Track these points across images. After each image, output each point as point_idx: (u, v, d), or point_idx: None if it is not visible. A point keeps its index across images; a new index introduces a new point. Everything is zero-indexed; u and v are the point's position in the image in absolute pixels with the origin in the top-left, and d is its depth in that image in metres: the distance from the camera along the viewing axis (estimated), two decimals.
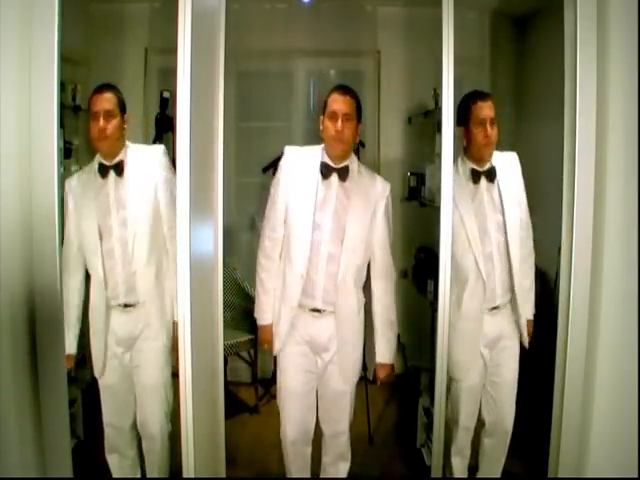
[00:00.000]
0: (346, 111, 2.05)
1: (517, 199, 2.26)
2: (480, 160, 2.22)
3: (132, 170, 2.17)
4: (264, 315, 2.23)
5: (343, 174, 2.10)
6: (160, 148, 2.26)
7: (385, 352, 2.22)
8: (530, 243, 2.32)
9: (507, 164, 2.27)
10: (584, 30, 2.03)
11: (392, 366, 2.25)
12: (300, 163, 2.14)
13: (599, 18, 2.03)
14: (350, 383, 2.21)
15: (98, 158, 2.18)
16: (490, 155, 2.22)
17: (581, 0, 2.03)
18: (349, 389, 2.22)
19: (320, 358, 2.19)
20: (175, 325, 2.17)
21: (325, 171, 2.10)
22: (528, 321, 2.31)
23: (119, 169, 2.17)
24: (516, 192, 2.26)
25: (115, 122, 2.12)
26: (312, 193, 2.09)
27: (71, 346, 2.19)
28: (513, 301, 2.27)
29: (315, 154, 2.15)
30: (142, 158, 2.21)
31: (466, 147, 2.24)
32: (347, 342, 2.16)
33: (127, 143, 2.22)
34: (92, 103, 2.11)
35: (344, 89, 2.10)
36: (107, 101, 2.11)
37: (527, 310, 2.31)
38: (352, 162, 2.14)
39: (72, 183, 2.21)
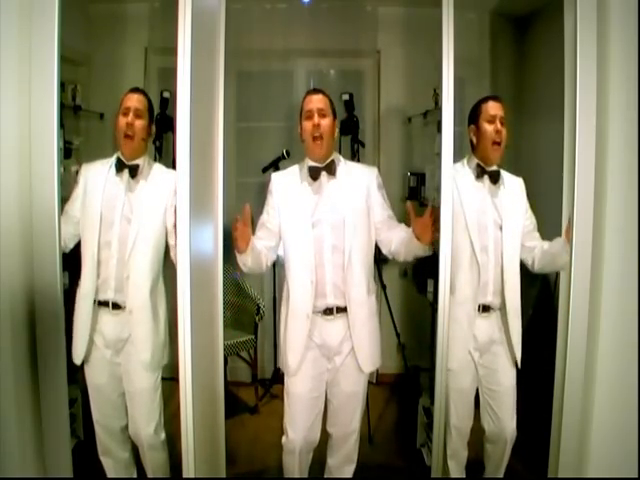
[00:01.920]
0: (320, 107, 2.15)
1: (519, 216, 2.29)
2: (487, 159, 2.28)
3: (147, 181, 2.20)
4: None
5: (331, 169, 2.17)
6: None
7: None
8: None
9: (513, 186, 2.32)
10: (584, 30, 2.03)
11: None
12: (287, 181, 2.21)
13: (599, 18, 2.03)
14: (366, 372, 2.21)
15: (118, 154, 2.23)
16: (498, 155, 2.27)
17: (581, 0, 2.03)
18: (361, 388, 2.23)
19: (332, 362, 2.19)
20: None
21: (314, 173, 2.16)
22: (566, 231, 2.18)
23: (133, 171, 2.19)
24: (519, 210, 2.30)
25: (142, 122, 2.19)
26: (305, 201, 2.14)
27: None
28: (503, 309, 2.28)
29: (298, 169, 2.22)
30: (159, 173, 2.25)
31: (475, 146, 2.31)
32: (361, 329, 2.16)
33: (152, 161, 2.28)
34: (124, 100, 2.19)
35: (316, 90, 2.23)
36: (139, 101, 2.20)
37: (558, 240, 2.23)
38: (336, 157, 2.23)
39: (89, 168, 2.25)
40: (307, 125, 2.15)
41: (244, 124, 3.71)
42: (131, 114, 2.16)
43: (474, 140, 2.30)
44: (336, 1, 3.57)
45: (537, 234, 2.36)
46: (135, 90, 2.23)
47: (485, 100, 2.29)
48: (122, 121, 2.17)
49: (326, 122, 2.15)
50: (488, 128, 2.24)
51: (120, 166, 2.20)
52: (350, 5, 3.60)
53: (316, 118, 2.13)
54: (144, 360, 2.20)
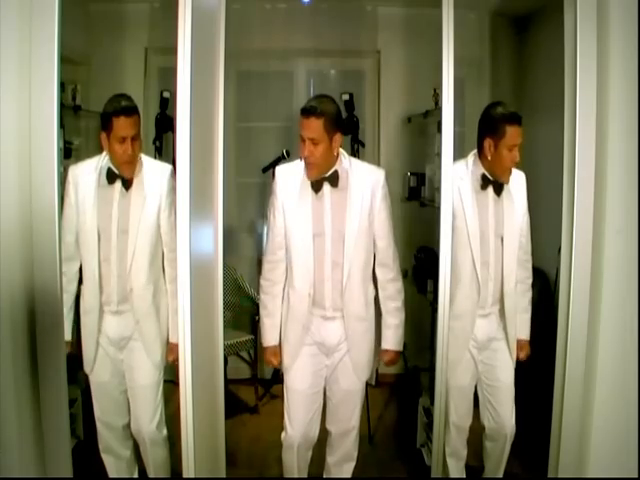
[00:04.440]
0: (311, 136, 2.01)
1: (519, 219, 2.27)
2: (497, 178, 2.23)
3: (139, 188, 2.16)
4: (267, 337, 2.24)
5: (334, 180, 2.10)
6: (168, 169, 2.20)
7: (389, 338, 2.24)
8: (529, 266, 2.34)
9: (515, 183, 2.28)
10: (584, 30, 2.03)
11: (397, 353, 2.26)
12: (291, 182, 2.14)
13: (599, 18, 2.03)
14: (361, 381, 2.23)
15: (108, 162, 2.14)
16: (508, 178, 2.23)
17: (581, 0, 2.03)
18: (360, 386, 2.24)
19: (330, 358, 2.19)
20: (172, 346, 2.23)
21: (316, 185, 2.10)
22: (522, 341, 2.34)
23: (127, 183, 2.15)
24: (519, 212, 2.27)
25: (138, 143, 2.12)
26: (307, 213, 2.10)
27: (67, 332, 2.16)
28: (501, 310, 2.28)
29: (303, 168, 2.14)
30: (151, 175, 2.19)
31: (487, 158, 2.20)
32: (359, 341, 2.17)
33: (141, 158, 2.21)
34: (118, 125, 2.03)
35: (308, 111, 2.01)
36: (134, 126, 2.07)
37: (522, 331, 2.34)
38: (340, 163, 2.12)
39: (76, 172, 2.16)
40: (301, 149, 2.05)
41: (244, 124, 3.71)
42: (129, 143, 2.06)
43: (488, 155, 2.19)
44: (336, 1, 3.57)
45: (529, 264, 2.33)
46: (127, 111, 2.04)
47: (511, 122, 2.13)
48: (119, 149, 2.06)
49: (318, 150, 2.01)
50: (507, 156, 2.15)
51: (112, 177, 2.14)
52: (350, 5, 3.60)
53: (307, 149, 2.01)
54: (153, 359, 2.22)
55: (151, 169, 2.21)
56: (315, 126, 2.00)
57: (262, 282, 2.24)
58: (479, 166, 2.24)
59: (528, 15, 3.54)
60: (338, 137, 2.06)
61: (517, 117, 2.16)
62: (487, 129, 2.19)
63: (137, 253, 2.14)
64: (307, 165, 2.07)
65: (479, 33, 3.61)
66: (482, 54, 3.62)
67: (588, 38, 2.03)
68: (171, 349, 2.23)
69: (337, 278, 2.10)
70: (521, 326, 2.33)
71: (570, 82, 2.09)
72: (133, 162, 2.13)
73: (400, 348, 2.26)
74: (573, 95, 2.06)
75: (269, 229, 2.21)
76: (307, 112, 2.01)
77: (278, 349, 2.22)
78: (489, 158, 2.20)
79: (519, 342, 2.32)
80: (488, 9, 3.57)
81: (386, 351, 2.25)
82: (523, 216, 2.29)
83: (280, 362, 2.23)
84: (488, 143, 2.18)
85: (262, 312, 2.25)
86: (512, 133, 2.14)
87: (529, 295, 2.35)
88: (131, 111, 2.07)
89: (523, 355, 2.34)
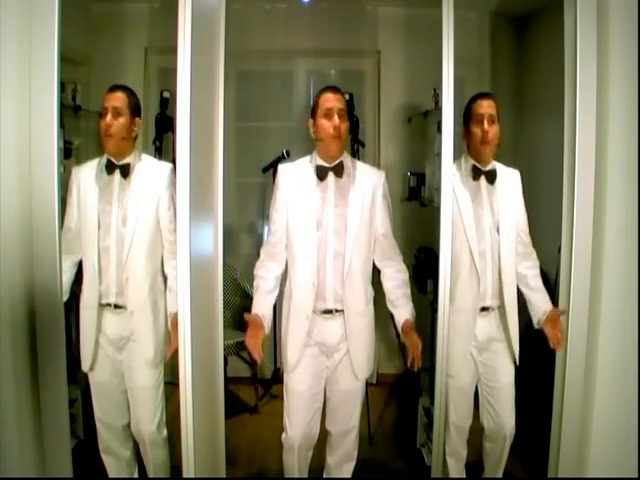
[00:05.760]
0: (341, 107, 2.11)
1: (515, 213, 2.27)
2: (480, 159, 2.24)
3: (138, 179, 2.18)
4: (254, 308, 2.18)
5: (339, 171, 2.14)
6: (169, 166, 2.23)
7: (405, 310, 2.18)
8: (534, 257, 2.33)
9: (509, 180, 2.29)
10: (584, 30, 2.03)
11: (413, 323, 2.18)
12: (294, 176, 2.17)
13: (599, 18, 2.04)
14: (361, 379, 2.23)
15: (107, 154, 2.20)
16: (489, 154, 2.24)
17: (581, 0, 2.03)
18: (360, 386, 2.24)
19: (331, 359, 2.19)
20: (172, 319, 2.17)
21: (321, 173, 2.13)
22: (550, 311, 2.22)
23: (125, 171, 2.17)
24: (514, 206, 2.27)
25: (122, 121, 2.14)
26: (311, 201, 2.12)
27: None
28: (502, 308, 2.27)
29: (307, 163, 2.18)
30: (151, 169, 2.22)
31: (468, 145, 2.28)
32: (358, 337, 2.17)
33: (142, 154, 2.24)
34: (104, 99, 2.15)
35: (335, 88, 2.16)
36: (117, 99, 2.14)
37: (544, 304, 2.26)
38: (345, 158, 2.18)
39: (80, 172, 2.22)
40: (326, 124, 2.09)
41: (244, 124, 3.71)
42: (109, 114, 2.12)
43: (467, 141, 2.27)
44: (336, 1, 3.57)
45: (533, 254, 2.33)
46: (114, 88, 2.17)
47: (474, 99, 2.24)
48: (102, 123, 2.14)
49: (344, 124, 2.10)
50: (476, 129, 2.20)
51: (111, 167, 2.18)
52: (350, 5, 3.60)
53: (336, 119, 2.08)
54: (147, 357, 2.21)
55: (152, 164, 2.25)
56: (342, 100, 2.13)
57: (255, 272, 2.23)
58: (469, 160, 2.27)
59: (528, 15, 3.54)
60: (348, 126, 2.16)
61: (481, 93, 2.25)
62: (463, 120, 2.28)
63: (134, 242, 2.15)
64: (332, 139, 2.09)
65: (479, 33, 3.61)
66: (482, 54, 3.62)
67: (588, 38, 2.04)
68: (172, 323, 2.13)
69: (338, 268, 2.11)
70: (541, 301, 2.26)
71: (570, 82, 2.09)
72: (113, 136, 2.13)
73: (413, 321, 2.19)
74: (573, 95, 2.07)
75: (271, 223, 2.22)
76: (333, 88, 2.16)
77: (260, 321, 2.11)
78: (468, 144, 2.26)
79: (548, 312, 2.21)
80: (488, 9, 3.57)
81: (406, 319, 2.17)
82: (519, 211, 2.29)
83: (259, 338, 2.09)
84: (465, 130, 2.26)
85: (254, 294, 2.22)
86: (475, 106, 2.21)
87: (540, 280, 2.32)
88: (118, 87, 2.18)
89: (559, 324, 2.17)
